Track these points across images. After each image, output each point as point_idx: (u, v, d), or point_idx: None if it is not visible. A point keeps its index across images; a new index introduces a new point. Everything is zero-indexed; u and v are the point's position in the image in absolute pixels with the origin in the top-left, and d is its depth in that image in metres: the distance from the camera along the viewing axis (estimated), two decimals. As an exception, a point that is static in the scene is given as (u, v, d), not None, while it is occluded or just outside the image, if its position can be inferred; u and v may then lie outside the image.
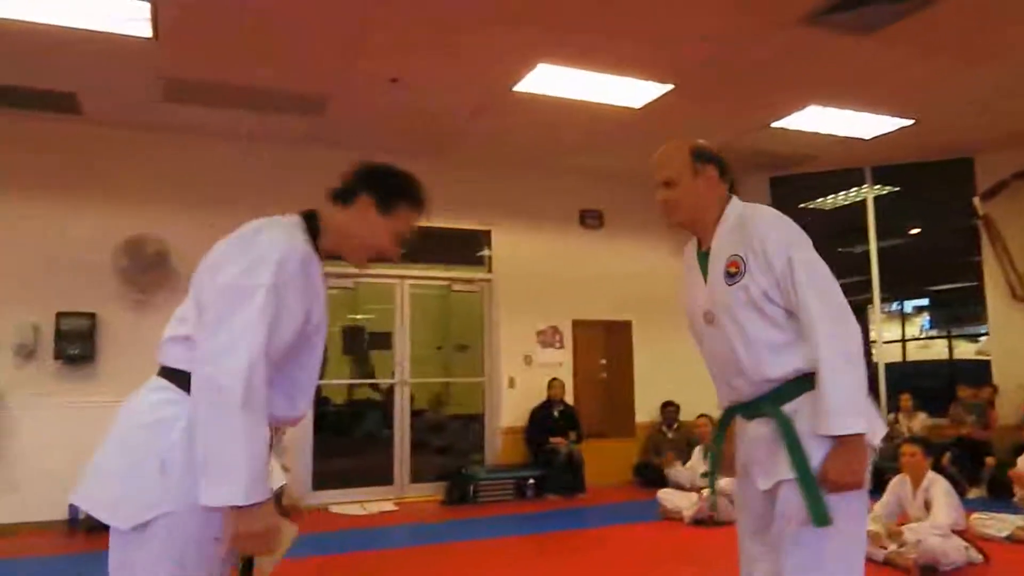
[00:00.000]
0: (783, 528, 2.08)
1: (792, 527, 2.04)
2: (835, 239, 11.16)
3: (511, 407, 8.37)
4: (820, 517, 1.98)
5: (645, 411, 8.93)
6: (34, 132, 6.75)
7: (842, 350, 2.01)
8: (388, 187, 2.02)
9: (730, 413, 2.33)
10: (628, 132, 7.20)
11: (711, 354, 2.29)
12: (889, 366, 9.40)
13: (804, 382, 2.08)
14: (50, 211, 6.77)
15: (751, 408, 2.21)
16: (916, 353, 18.32)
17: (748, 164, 8.57)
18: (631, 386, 9.01)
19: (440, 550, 5.84)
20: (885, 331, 11.94)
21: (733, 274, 2.15)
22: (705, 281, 2.26)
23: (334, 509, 7.31)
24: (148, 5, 4.82)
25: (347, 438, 10.58)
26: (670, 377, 8.60)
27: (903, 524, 4.93)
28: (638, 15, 5.08)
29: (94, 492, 1.81)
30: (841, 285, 2.11)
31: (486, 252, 8.67)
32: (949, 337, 18.07)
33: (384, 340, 8.84)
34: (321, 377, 2.09)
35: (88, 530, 6.16)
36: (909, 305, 19.18)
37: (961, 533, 4.86)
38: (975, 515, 5.50)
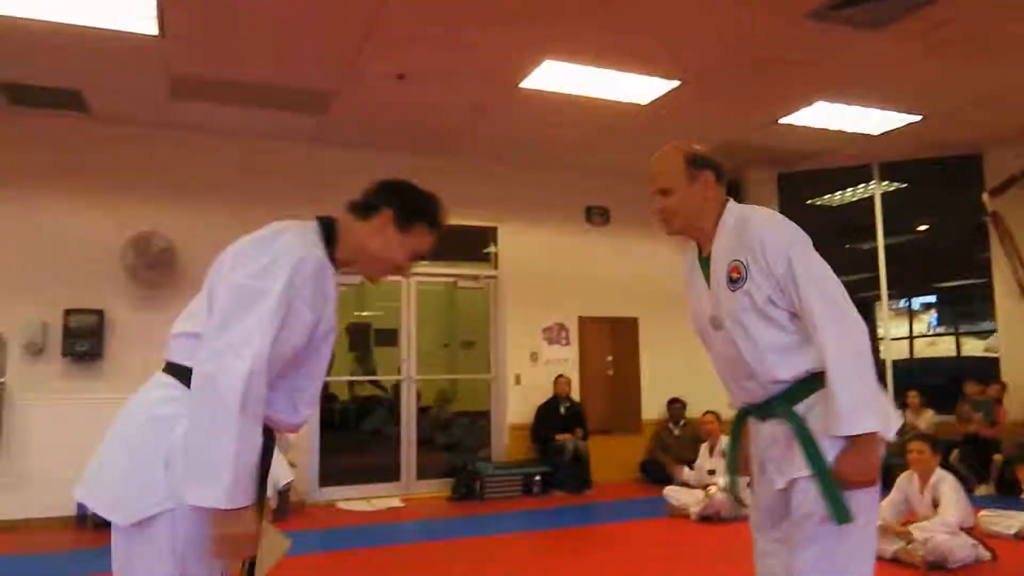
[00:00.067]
0: (798, 524, 2.08)
1: (809, 524, 2.05)
2: (843, 235, 11.13)
3: (517, 404, 8.37)
4: (842, 515, 1.99)
5: (652, 408, 8.92)
6: (41, 130, 6.77)
7: (849, 349, 2.01)
8: (410, 205, 2.04)
9: (743, 414, 2.34)
10: (635, 128, 7.18)
11: (720, 358, 2.29)
12: (896, 363, 9.37)
13: (815, 381, 2.08)
14: (57, 208, 6.79)
15: (763, 409, 2.21)
16: (923, 350, 18.27)
17: (756, 160, 8.55)
18: (637, 383, 9.01)
19: (447, 546, 5.85)
20: (892, 328, 11.91)
21: (735, 280, 2.14)
22: (708, 286, 2.25)
23: (341, 505, 7.33)
24: (154, 2, 4.83)
25: (353, 435, 10.63)
26: (677, 374, 8.59)
27: (911, 521, 4.92)
28: (645, 11, 5.06)
29: (96, 488, 1.81)
30: (848, 281, 2.11)
31: (492, 249, 8.66)
32: (957, 334, 18.01)
33: (390, 337, 8.86)
34: (327, 374, 2.09)
35: (96, 526, 6.18)
36: (916, 302, 19.12)
37: (969, 531, 4.85)
38: (983, 512, 5.48)
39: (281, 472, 6.52)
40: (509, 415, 8.37)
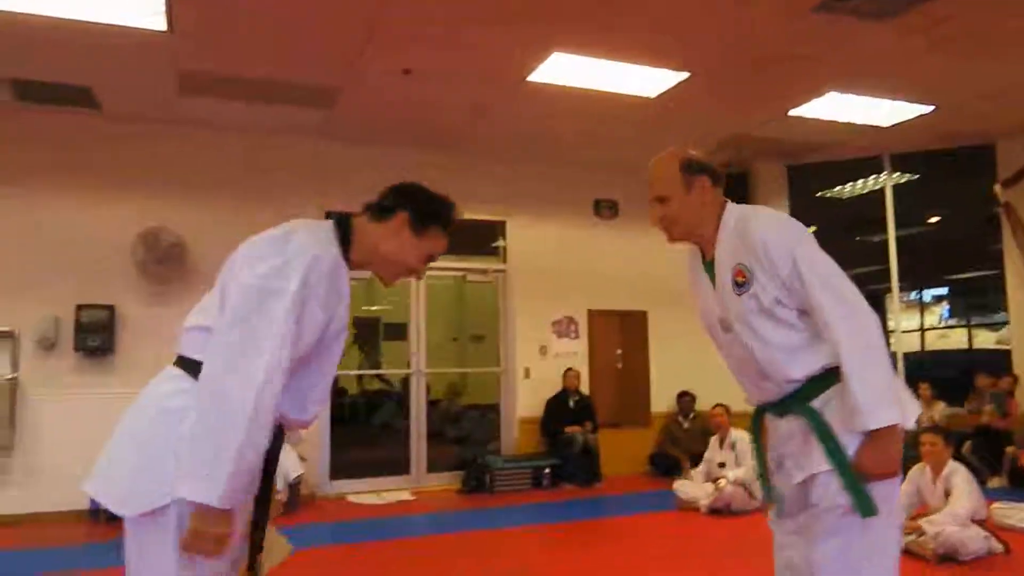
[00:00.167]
0: (818, 517, 2.07)
1: (831, 517, 2.04)
2: (853, 228, 11.09)
3: (527, 397, 8.38)
4: (867, 508, 1.99)
5: (661, 401, 8.92)
6: (50, 126, 6.80)
7: (862, 344, 2.00)
8: (425, 208, 2.05)
9: (760, 411, 2.34)
10: (643, 121, 7.16)
11: (732, 358, 2.29)
12: (907, 356, 9.34)
13: (830, 376, 2.07)
14: (68, 205, 6.83)
15: (780, 407, 2.21)
16: (935, 342, 18.20)
17: (765, 153, 8.52)
18: (647, 376, 9.00)
19: (457, 539, 5.87)
20: (904, 320, 11.86)
21: (741, 283, 2.13)
22: (714, 289, 2.25)
23: (351, 498, 7.36)
24: (163, -2, 4.84)
25: (364, 428, 10.67)
26: (686, 367, 8.58)
27: (923, 513, 4.90)
28: (653, 3, 5.04)
29: (105, 482, 1.83)
30: (859, 274, 2.10)
31: (501, 243, 8.66)
32: (969, 326, 17.93)
33: (400, 331, 8.88)
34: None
35: (109, 520, 6.23)
36: (928, 294, 19.04)
37: (981, 523, 4.83)
38: (996, 505, 5.46)
39: (291, 465, 6.55)
40: (518, 408, 8.38)
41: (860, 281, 2.08)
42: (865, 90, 6.70)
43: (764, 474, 2.36)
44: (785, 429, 2.20)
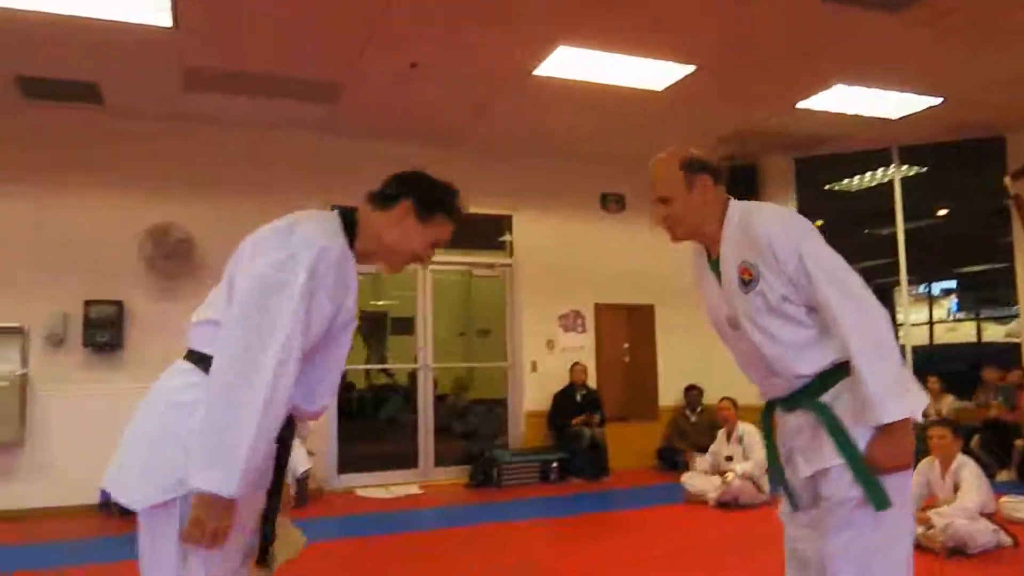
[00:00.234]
0: (830, 510, 2.08)
1: (843, 510, 2.04)
2: (861, 221, 11.03)
3: (534, 391, 8.39)
4: (880, 501, 1.99)
5: (668, 395, 8.91)
6: (56, 123, 6.82)
7: (871, 338, 2.00)
8: (429, 196, 2.04)
9: (770, 406, 2.34)
10: (650, 115, 7.14)
11: (740, 355, 2.29)
12: (916, 349, 9.30)
13: (839, 371, 2.08)
14: (75, 201, 6.85)
15: (790, 402, 2.21)
16: (943, 336, 18.13)
17: (773, 145, 8.48)
18: (654, 370, 8.99)
19: (465, 533, 5.88)
20: (912, 314, 11.82)
21: (747, 281, 2.13)
22: (720, 287, 2.24)
23: (359, 492, 7.38)
24: (169, -7, 4.85)
25: (371, 423, 10.70)
26: (693, 361, 8.56)
27: (931, 507, 4.89)
28: (660, -5, 5.02)
29: (116, 475, 1.84)
30: (867, 267, 2.10)
31: (507, 237, 8.66)
32: (978, 320, 17.85)
33: (407, 325, 8.90)
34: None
35: (121, 513, 6.26)
36: (936, 287, 18.96)
37: (990, 516, 4.82)
38: (1004, 498, 5.44)
39: (300, 460, 6.57)
40: (526, 402, 8.38)
41: (868, 274, 2.08)
42: (873, 82, 6.67)
43: (776, 468, 2.36)
44: (794, 424, 2.21)
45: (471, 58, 5.97)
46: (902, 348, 9.05)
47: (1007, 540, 4.76)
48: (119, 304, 6.83)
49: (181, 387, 1.83)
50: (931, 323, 17.72)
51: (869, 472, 2.00)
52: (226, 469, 1.66)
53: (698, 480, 6.69)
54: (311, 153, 7.54)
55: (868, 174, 9.44)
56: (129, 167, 7.01)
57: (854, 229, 11.55)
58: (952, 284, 18.77)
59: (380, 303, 11.40)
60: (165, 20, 5.14)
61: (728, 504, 6.28)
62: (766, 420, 2.38)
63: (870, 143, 8.46)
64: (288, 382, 1.74)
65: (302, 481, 6.67)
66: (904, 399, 2.00)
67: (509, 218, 8.59)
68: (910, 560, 2.09)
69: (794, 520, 2.28)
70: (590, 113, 7.21)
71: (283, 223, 1.92)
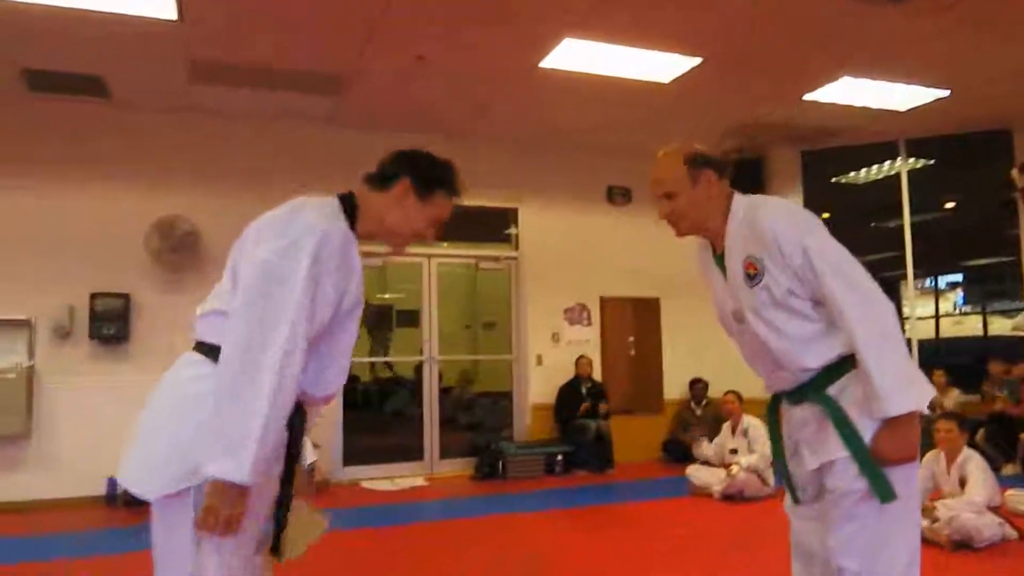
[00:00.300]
0: (835, 503, 2.08)
1: (847, 502, 2.05)
2: (868, 214, 11.00)
3: (539, 384, 8.39)
4: (885, 494, 2.00)
5: (673, 388, 8.91)
6: (62, 116, 6.83)
7: (877, 332, 1.99)
8: (428, 173, 2.04)
9: (776, 399, 2.34)
10: (657, 107, 7.12)
11: (746, 349, 2.29)
12: (922, 343, 9.28)
13: (845, 364, 2.08)
14: (82, 194, 6.86)
15: (796, 395, 2.21)
16: (949, 329, 18.10)
17: (780, 138, 8.45)
18: (659, 363, 8.99)
19: (470, 524, 5.90)
20: (918, 307, 11.78)
21: (752, 276, 2.13)
22: (726, 281, 2.24)
23: (365, 484, 7.40)
24: (174, -14, 4.84)
25: (377, 415, 10.72)
26: (698, 354, 8.57)
27: (937, 500, 4.88)
28: (666, -13, 5.00)
29: (130, 467, 1.84)
30: (874, 260, 2.09)
31: (513, 230, 8.65)
32: (984, 313, 17.81)
33: (412, 318, 8.90)
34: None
35: (127, 504, 6.30)
36: (943, 281, 18.91)
37: (996, 510, 4.81)
38: (1010, 492, 5.43)
39: (305, 452, 6.59)
40: (531, 395, 8.39)
41: (874, 268, 2.08)
42: (880, 74, 6.64)
43: (781, 461, 2.36)
44: (800, 416, 2.21)
45: (476, 51, 5.96)
46: (908, 342, 9.02)
47: (1012, 533, 4.76)
48: (126, 297, 6.85)
49: (191, 378, 1.84)
50: (937, 317, 17.69)
51: (874, 464, 2.00)
52: (237, 457, 1.67)
53: (703, 473, 6.70)
54: (316, 145, 7.53)
55: (875, 167, 9.41)
56: (135, 160, 7.02)
57: (860, 222, 11.52)
58: (958, 278, 18.73)
59: (386, 296, 11.40)
60: (170, 13, 5.14)
61: (733, 497, 6.29)
62: (772, 413, 2.38)
63: (877, 136, 8.43)
64: (295, 369, 1.74)
65: (308, 473, 6.69)
66: (910, 392, 2.00)
67: (515, 211, 8.58)
68: (917, 553, 2.09)
69: (799, 513, 2.28)
70: (596, 106, 7.19)
71: (284, 209, 1.92)
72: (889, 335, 2.01)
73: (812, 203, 8.51)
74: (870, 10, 5.33)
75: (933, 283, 18.27)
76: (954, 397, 8.24)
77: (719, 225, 2.23)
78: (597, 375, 8.47)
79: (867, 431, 2.02)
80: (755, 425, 6.53)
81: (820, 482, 2.15)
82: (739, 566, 4.53)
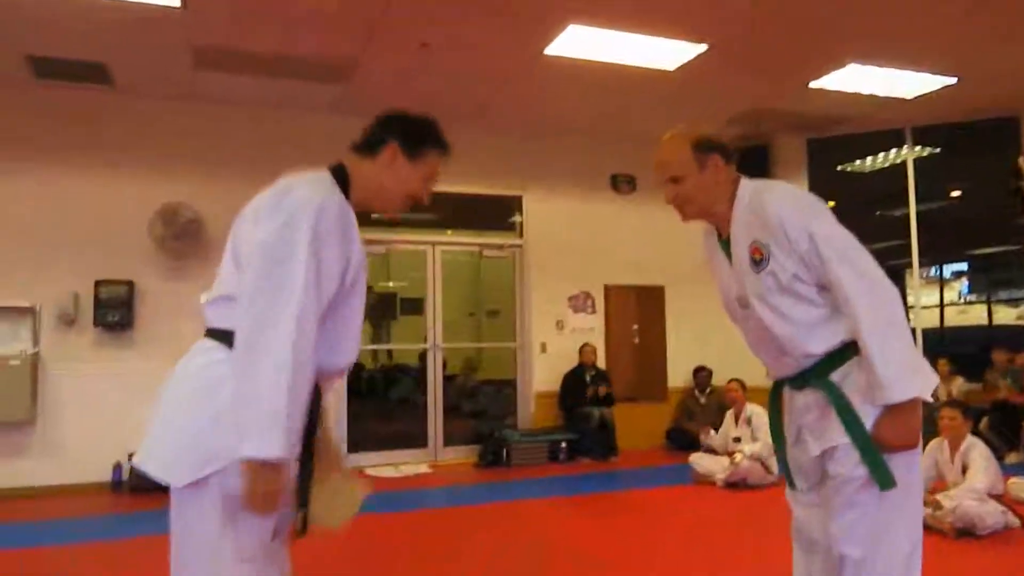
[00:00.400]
0: (837, 489, 2.08)
1: (849, 489, 2.05)
2: (873, 202, 10.96)
3: (543, 372, 8.40)
4: (885, 480, 1.99)
5: (677, 376, 8.91)
6: (66, 103, 6.82)
7: (883, 319, 1.99)
8: (414, 133, 2.04)
9: (778, 386, 2.33)
10: (662, 94, 7.08)
11: (750, 335, 2.28)
12: (926, 332, 9.26)
13: (848, 350, 2.07)
14: (86, 181, 6.87)
15: (798, 380, 2.21)
16: (954, 318, 18.07)
17: (785, 126, 8.42)
18: (663, 351, 8.99)
19: (474, 511, 5.92)
20: (923, 296, 11.76)
21: (758, 261, 2.12)
22: (731, 266, 2.24)
23: (369, 471, 7.41)
24: (177, -29, 4.82)
25: (381, 402, 10.74)
26: (702, 342, 8.57)
27: (940, 488, 4.89)
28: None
29: (152, 453, 1.85)
30: (879, 249, 2.08)
31: (517, 218, 8.64)
32: (989, 302, 17.77)
33: (416, 306, 8.91)
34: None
35: (132, 490, 6.34)
36: (948, 270, 18.87)
37: (999, 498, 4.82)
38: (1013, 480, 5.44)
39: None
40: (535, 383, 8.40)
41: (880, 256, 2.06)
42: (886, 61, 6.59)
43: (780, 447, 2.36)
44: (802, 402, 2.20)
45: (481, 38, 5.93)
46: (912, 331, 9.01)
47: (1015, 522, 4.76)
48: (130, 284, 6.86)
49: (207, 364, 1.85)
50: (942, 305, 17.65)
51: (875, 451, 2.00)
52: (267, 434, 1.68)
53: (706, 461, 6.71)
54: (321, 133, 7.46)
55: (881, 155, 9.37)
56: (139, 147, 7.02)
57: (866, 210, 11.49)
58: (963, 267, 18.67)
59: (389, 284, 11.40)
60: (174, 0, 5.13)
61: (736, 485, 6.30)
62: (773, 401, 2.38)
63: (883, 123, 8.38)
64: (310, 339, 1.75)
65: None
66: (913, 379, 1.99)
67: (519, 198, 8.57)
68: (919, 540, 2.09)
69: (800, 500, 2.28)
70: (601, 93, 7.16)
71: (277, 188, 1.91)
72: (894, 323, 2.00)
73: (817, 191, 8.37)
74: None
75: (938, 272, 18.22)
76: (958, 386, 8.23)
77: (725, 210, 2.22)
78: (601, 363, 8.47)
79: (869, 418, 2.02)
80: (758, 413, 6.53)
81: (822, 468, 2.15)
82: (743, 553, 4.54)
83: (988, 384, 8.36)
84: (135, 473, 6.38)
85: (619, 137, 8.48)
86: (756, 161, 8.53)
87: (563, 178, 8.57)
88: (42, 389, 6.62)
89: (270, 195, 1.90)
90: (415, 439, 8.18)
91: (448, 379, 8.99)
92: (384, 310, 10.80)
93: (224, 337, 1.83)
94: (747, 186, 2.21)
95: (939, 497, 4.75)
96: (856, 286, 1.99)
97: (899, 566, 2.05)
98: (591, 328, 8.65)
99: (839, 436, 2.06)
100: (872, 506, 2.03)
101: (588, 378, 8.21)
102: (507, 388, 9.05)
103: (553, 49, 6.09)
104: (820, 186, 8.72)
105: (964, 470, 4.87)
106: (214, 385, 1.80)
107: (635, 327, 8.94)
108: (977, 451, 4.90)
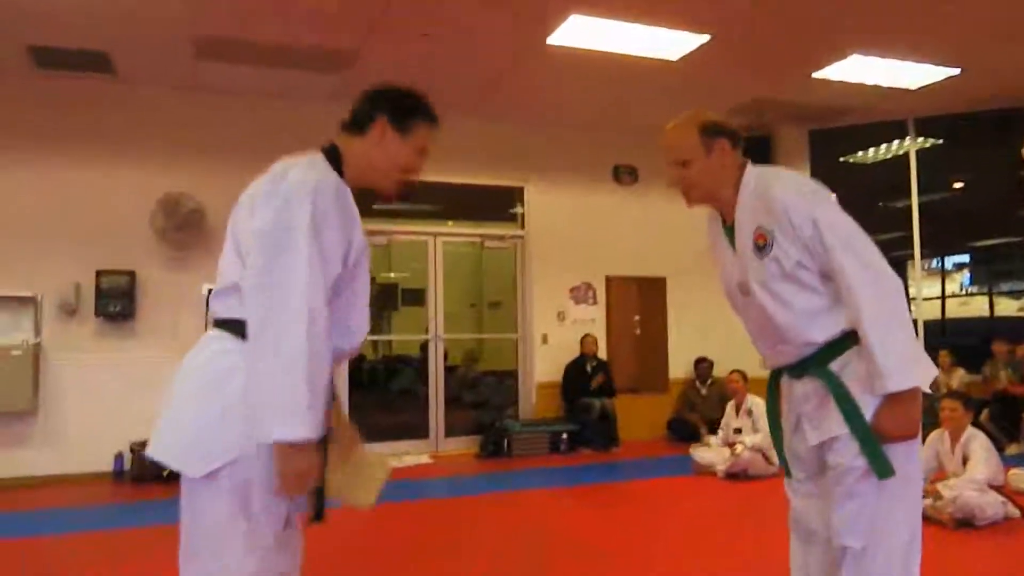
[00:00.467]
0: (836, 479, 2.08)
1: (848, 478, 2.05)
2: (876, 193, 10.94)
3: (544, 363, 8.41)
4: (883, 470, 1.99)
5: (679, 367, 8.92)
6: (68, 92, 6.81)
7: (885, 308, 1.98)
8: (402, 107, 2.02)
9: (776, 375, 2.33)
10: (664, 85, 7.06)
11: (751, 322, 2.27)
12: (928, 323, 9.26)
13: (848, 339, 2.06)
14: (87, 171, 6.86)
15: (798, 369, 2.20)
16: (955, 310, 18.05)
17: (788, 116, 8.39)
18: (665, 342, 9.00)
19: (475, 501, 5.93)
20: (925, 287, 11.75)
21: (762, 247, 2.11)
22: (735, 253, 2.23)
23: (370, 462, 7.43)
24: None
25: (382, 393, 10.75)
26: (704, 333, 8.57)
27: (941, 479, 4.89)
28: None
29: (167, 443, 1.85)
30: (881, 240, 2.07)
31: (519, 209, 8.63)
32: (990, 294, 17.75)
33: (418, 297, 8.91)
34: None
35: (133, 480, 6.35)
36: (949, 262, 18.83)
37: (999, 488, 4.82)
38: (1013, 471, 5.44)
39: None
40: (536, 374, 8.41)
41: (882, 248, 2.06)
42: (890, 52, 6.56)
43: (777, 437, 2.36)
44: (801, 391, 2.20)
45: (483, 27, 5.91)
46: (914, 322, 9.01)
47: (1015, 512, 4.77)
48: (131, 274, 6.86)
49: (217, 354, 1.85)
50: (943, 297, 17.63)
51: (874, 441, 2.00)
52: (292, 417, 1.69)
53: (707, 452, 6.71)
54: (322, 123, 7.41)
55: (883, 146, 9.35)
56: (141, 137, 7.01)
57: (868, 202, 11.46)
58: (965, 258, 18.65)
59: (391, 275, 11.40)
60: (175, -12, 5.11)
61: (737, 476, 6.31)
62: (771, 390, 2.37)
63: (886, 114, 8.36)
64: (323, 317, 1.75)
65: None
66: (913, 369, 1.99)
67: (521, 189, 8.55)
68: (918, 530, 2.09)
69: (799, 491, 2.28)
70: (603, 84, 7.14)
71: (272, 174, 1.90)
72: (896, 313, 2.00)
73: (820, 182, 8.45)
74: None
75: (940, 263, 18.19)
76: (959, 377, 8.24)
77: (730, 195, 2.21)
78: (602, 354, 8.48)
79: (868, 407, 2.02)
80: (759, 404, 6.52)
81: (821, 458, 2.15)
82: (743, 544, 4.55)
83: (987, 375, 8.36)
84: (137, 463, 6.40)
85: (621, 128, 8.46)
86: (758, 152, 8.40)
87: (565, 169, 8.56)
88: (43, 379, 6.63)
89: (266, 181, 1.89)
90: (416, 430, 8.19)
91: (449, 370, 8.99)
92: (385, 301, 10.79)
93: (232, 327, 1.83)
94: (752, 172, 2.20)
95: (939, 487, 4.76)
96: (860, 276, 1.99)
97: (899, 555, 2.05)
98: (592, 319, 8.65)
99: (838, 427, 2.05)
100: (872, 496, 2.02)
101: (589, 369, 8.22)
102: (508, 379, 9.05)
103: (555, 39, 6.06)
104: (822, 177, 8.59)
105: (965, 461, 4.88)
106: (224, 376, 1.80)
107: (636, 318, 8.94)
108: (978, 442, 4.90)
